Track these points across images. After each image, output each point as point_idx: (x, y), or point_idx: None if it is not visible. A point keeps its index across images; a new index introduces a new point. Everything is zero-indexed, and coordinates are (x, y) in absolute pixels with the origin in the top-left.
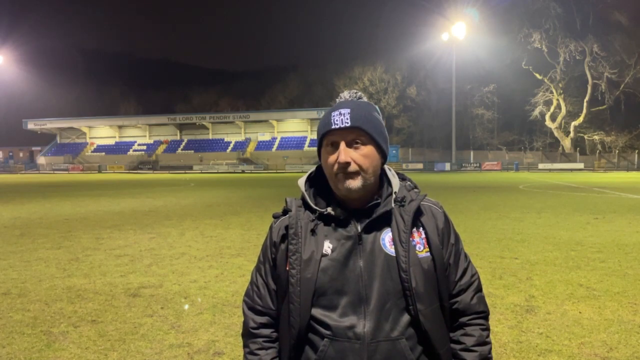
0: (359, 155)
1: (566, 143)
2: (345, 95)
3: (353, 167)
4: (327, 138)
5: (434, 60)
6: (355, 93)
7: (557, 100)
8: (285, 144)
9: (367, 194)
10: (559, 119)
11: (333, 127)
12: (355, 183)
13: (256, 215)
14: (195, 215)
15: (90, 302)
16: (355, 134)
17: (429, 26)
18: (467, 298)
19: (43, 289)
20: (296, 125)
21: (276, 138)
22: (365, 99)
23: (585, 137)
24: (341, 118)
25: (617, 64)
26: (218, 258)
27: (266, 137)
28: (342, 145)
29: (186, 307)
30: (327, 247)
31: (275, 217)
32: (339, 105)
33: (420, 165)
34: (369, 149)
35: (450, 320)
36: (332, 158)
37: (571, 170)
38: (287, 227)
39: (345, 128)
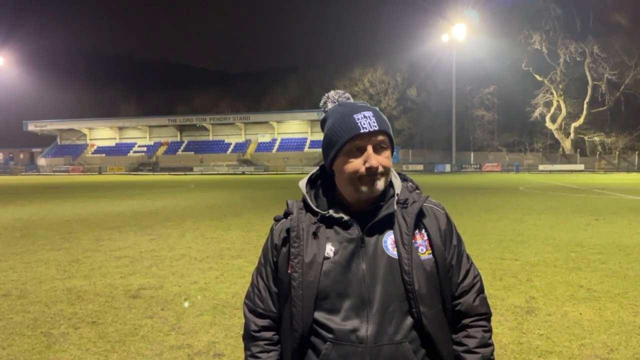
0: (384, 159)
1: (566, 144)
2: (334, 95)
3: (380, 171)
4: (353, 142)
5: (434, 62)
6: (343, 93)
7: (557, 101)
8: (286, 145)
9: (377, 195)
10: (559, 120)
11: (362, 130)
12: (381, 184)
13: (256, 216)
14: (196, 216)
15: (91, 304)
16: (382, 138)
17: (429, 27)
18: (470, 300)
19: (43, 290)
20: (296, 127)
21: (276, 139)
22: (352, 99)
23: (586, 138)
24: (368, 122)
25: (617, 65)
26: (218, 259)
27: (266, 138)
28: (370, 149)
29: (186, 304)
30: (330, 249)
31: (277, 219)
32: (355, 108)
33: (420, 167)
34: (389, 152)
35: (453, 322)
36: (357, 162)
37: (571, 171)
38: (288, 230)
39: (374, 132)
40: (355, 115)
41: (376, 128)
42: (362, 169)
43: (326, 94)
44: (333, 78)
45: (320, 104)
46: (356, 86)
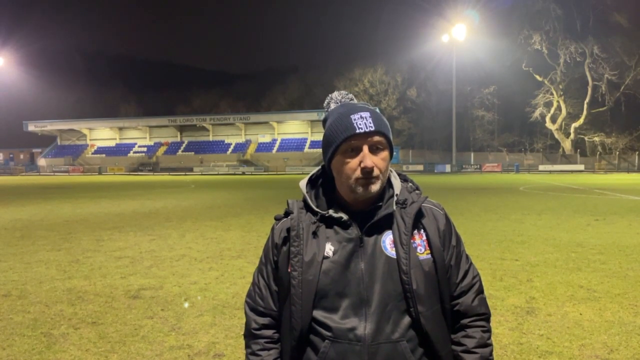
0: (379, 160)
1: (566, 144)
2: (337, 96)
3: (375, 172)
4: (348, 142)
5: (434, 62)
6: (347, 94)
7: (558, 101)
8: (286, 145)
9: (374, 196)
10: (559, 120)
11: (357, 131)
12: (375, 187)
13: (256, 216)
14: (196, 216)
15: (91, 304)
16: (378, 139)
17: (429, 28)
18: (469, 300)
19: (43, 290)
20: (296, 127)
21: (276, 140)
22: (355, 100)
23: (586, 138)
24: (364, 122)
25: (617, 66)
26: (218, 260)
27: (266, 138)
28: (366, 149)
29: (186, 305)
30: (329, 249)
31: (277, 219)
32: (353, 109)
33: (420, 167)
34: (386, 154)
35: (452, 322)
36: (353, 162)
37: (571, 171)
38: (288, 229)
39: (370, 132)
40: (352, 116)
41: (372, 129)
42: (358, 170)
43: (330, 95)
44: (333, 78)
45: (324, 104)
46: (356, 86)
